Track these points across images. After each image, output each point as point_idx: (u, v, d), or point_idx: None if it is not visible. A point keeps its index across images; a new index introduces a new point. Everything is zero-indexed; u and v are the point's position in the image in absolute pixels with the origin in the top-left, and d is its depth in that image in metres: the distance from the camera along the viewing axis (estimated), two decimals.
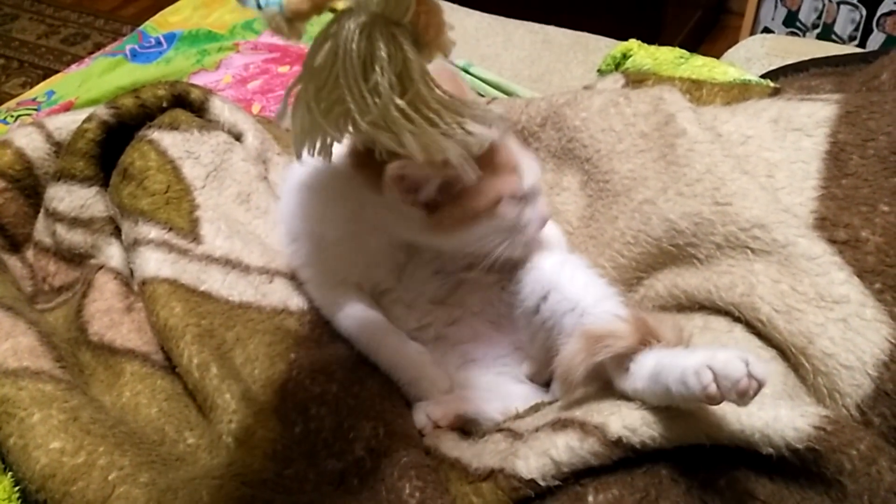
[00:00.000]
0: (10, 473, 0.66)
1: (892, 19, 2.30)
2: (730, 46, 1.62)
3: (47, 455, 0.65)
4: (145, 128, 1.04)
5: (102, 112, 1.03)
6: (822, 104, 0.91)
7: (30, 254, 1.04)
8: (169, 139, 1.00)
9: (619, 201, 0.91)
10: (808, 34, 2.52)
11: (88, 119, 1.02)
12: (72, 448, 0.66)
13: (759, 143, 0.90)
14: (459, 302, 0.89)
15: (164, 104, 1.06)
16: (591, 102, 1.00)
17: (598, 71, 1.28)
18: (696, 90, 1.05)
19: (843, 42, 2.41)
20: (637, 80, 1.12)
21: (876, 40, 2.37)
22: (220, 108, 1.08)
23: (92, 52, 1.87)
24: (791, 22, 2.53)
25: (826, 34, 2.46)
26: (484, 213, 0.77)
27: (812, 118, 0.90)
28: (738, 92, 1.05)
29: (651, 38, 1.32)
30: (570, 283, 0.81)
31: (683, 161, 0.86)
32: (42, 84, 1.60)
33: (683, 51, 1.22)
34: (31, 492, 0.65)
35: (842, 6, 2.38)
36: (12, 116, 1.46)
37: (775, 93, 1.06)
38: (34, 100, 1.52)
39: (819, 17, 2.47)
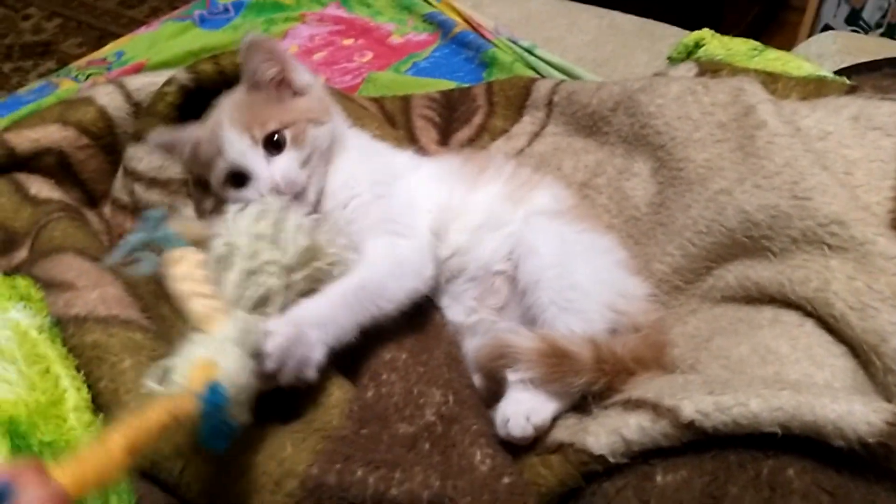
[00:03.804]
0: (101, 416, 0.69)
1: None
2: (789, 43, 1.60)
3: (137, 400, 0.68)
4: (223, 95, 1.07)
5: (182, 76, 1.05)
6: None
7: (106, 210, 1.08)
8: None
9: (693, 190, 0.91)
10: (870, 33, 2.47)
11: (168, 82, 1.05)
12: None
13: (839, 139, 0.89)
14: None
15: None
16: (667, 89, 1.00)
17: (669, 59, 1.27)
18: (771, 83, 1.04)
19: None
20: (710, 69, 1.12)
21: None
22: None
23: (148, 16, 1.92)
24: (854, 20, 2.48)
25: (890, 34, 2.39)
26: None
27: (893, 118, 0.89)
28: (814, 87, 1.04)
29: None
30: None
31: (762, 153, 0.86)
32: (111, 45, 1.64)
33: (757, 43, 1.21)
34: None
35: None
36: (83, 75, 1.50)
37: (852, 90, 1.04)
38: (104, 59, 1.56)
39: (883, 17, 2.41)
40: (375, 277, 0.80)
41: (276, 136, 0.88)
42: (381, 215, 0.89)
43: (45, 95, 1.40)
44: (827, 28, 2.51)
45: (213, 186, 0.92)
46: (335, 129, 0.95)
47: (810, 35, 2.45)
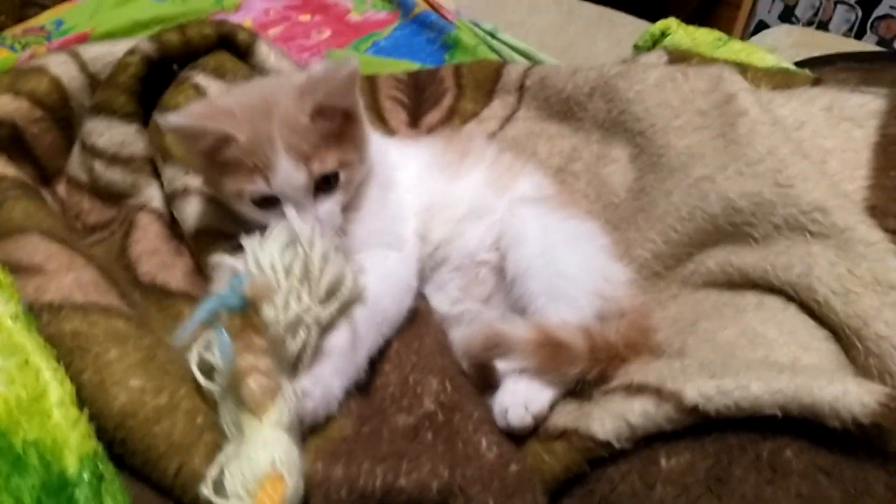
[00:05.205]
0: (85, 409, 0.64)
1: (886, 23, 2.36)
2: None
3: (127, 393, 0.64)
4: (189, 68, 1.01)
5: (146, 46, 0.99)
6: (871, 96, 0.94)
7: (61, 188, 1.01)
8: (214, 87, 0.98)
9: (674, 176, 0.92)
10: None
11: (131, 52, 0.99)
12: (153, 387, 0.65)
13: (814, 129, 0.92)
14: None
15: (210, 44, 1.03)
16: (646, 76, 1.01)
17: (635, 46, 1.29)
18: (741, 73, 1.07)
19: None
20: (680, 58, 1.13)
21: (869, 42, 2.43)
22: (267, 54, 1.06)
23: None
24: (787, 17, 2.58)
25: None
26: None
27: (863, 109, 0.92)
28: (781, 78, 1.07)
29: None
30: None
31: (744, 140, 0.88)
32: (48, 12, 1.53)
33: (721, 33, 1.24)
34: (108, 429, 0.63)
35: (839, 5, 2.43)
36: (20, 43, 1.39)
37: (816, 83, 1.08)
38: (42, 28, 1.46)
39: (815, 15, 2.51)
40: (380, 305, 0.78)
41: (331, 176, 0.80)
42: (374, 228, 0.87)
43: None
44: (762, 24, 2.60)
45: (222, 191, 0.81)
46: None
47: (744, 31, 2.53)
